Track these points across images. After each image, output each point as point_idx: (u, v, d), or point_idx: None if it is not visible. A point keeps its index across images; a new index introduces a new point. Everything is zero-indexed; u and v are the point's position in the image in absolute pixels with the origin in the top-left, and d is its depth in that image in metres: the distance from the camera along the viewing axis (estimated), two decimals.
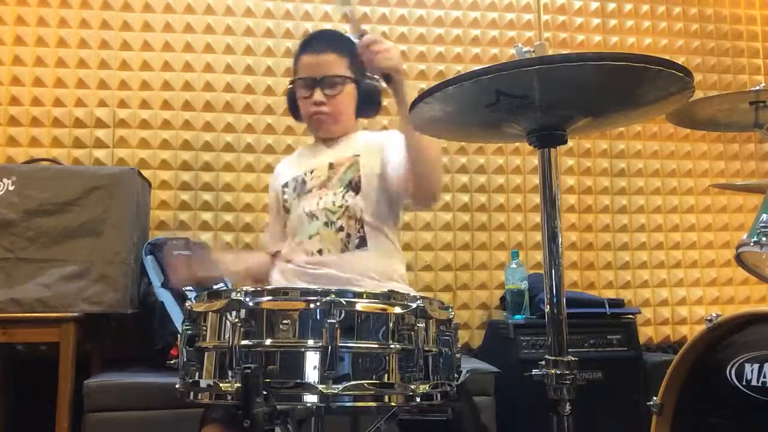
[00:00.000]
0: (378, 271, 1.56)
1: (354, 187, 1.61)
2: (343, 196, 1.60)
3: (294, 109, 1.75)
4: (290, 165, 1.80)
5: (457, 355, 1.07)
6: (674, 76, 0.94)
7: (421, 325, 0.98)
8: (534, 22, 3.04)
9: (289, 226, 1.68)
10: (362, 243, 1.57)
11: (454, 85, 0.97)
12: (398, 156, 1.56)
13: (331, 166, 1.66)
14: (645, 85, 0.99)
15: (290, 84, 1.74)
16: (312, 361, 0.92)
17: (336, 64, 1.64)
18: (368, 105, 1.72)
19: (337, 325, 0.92)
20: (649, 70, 0.92)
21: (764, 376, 1.33)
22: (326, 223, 1.59)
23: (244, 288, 0.97)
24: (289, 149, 2.67)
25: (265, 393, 0.87)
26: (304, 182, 1.68)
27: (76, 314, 2.00)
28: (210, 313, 1.01)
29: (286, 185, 1.72)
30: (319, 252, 1.57)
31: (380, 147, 1.65)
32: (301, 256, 1.59)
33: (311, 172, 1.68)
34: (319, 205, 1.61)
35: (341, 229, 1.58)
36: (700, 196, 3.10)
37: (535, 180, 2.94)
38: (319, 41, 1.69)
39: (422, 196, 1.57)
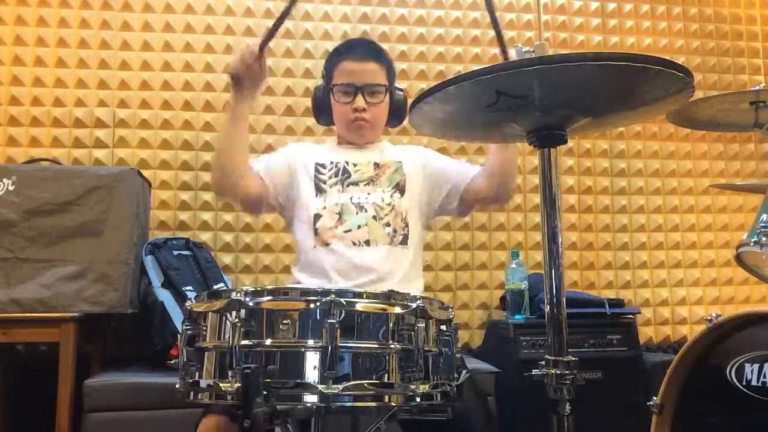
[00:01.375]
0: (414, 267, 1.66)
1: (400, 189, 1.69)
2: (391, 195, 1.68)
3: (320, 112, 1.78)
4: (320, 149, 1.79)
5: (458, 355, 1.07)
6: (674, 76, 0.94)
7: (421, 325, 0.98)
8: (534, 22, 3.04)
9: (326, 207, 1.65)
10: (404, 240, 1.65)
11: (454, 85, 0.97)
12: (463, 168, 1.75)
13: (377, 165, 1.71)
14: (645, 85, 0.99)
15: (324, 87, 1.74)
16: (312, 361, 0.92)
17: (377, 74, 1.70)
18: (397, 115, 1.79)
19: (337, 325, 0.92)
20: (649, 71, 0.92)
21: (764, 376, 1.33)
22: (374, 217, 1.63)
23: (244, 288, 0.97)
24: None
25: (265, 393, 0.86)
26: (347, 171, 1.69)
27: (76, 314, 2.00)
28: (210, 313, 1.00)
29: (322, 165, 1.70)
30: (367, 243, 1.61)
31: (422, 162, 1.77)
32: (349, 245, 1.61)
33: (354, 165, 1.70)
34: (368, 199, 1.65)
35: (388, 224, 1.64)
36: (700, 196, 3.10)
37: (535, 180, 2.94)
38: (361, 49, 1.73)
39: (506, 194, 1.78)
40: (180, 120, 2.72)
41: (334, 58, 1.73)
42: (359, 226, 1.61)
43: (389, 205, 1.66)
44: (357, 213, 1.63)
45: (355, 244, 1.60)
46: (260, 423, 0.84)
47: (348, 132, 1.74)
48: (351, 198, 1.65)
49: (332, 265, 1.58)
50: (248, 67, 1.57)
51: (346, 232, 1.61)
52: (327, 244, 1.61)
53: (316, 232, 1.63)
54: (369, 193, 1.66)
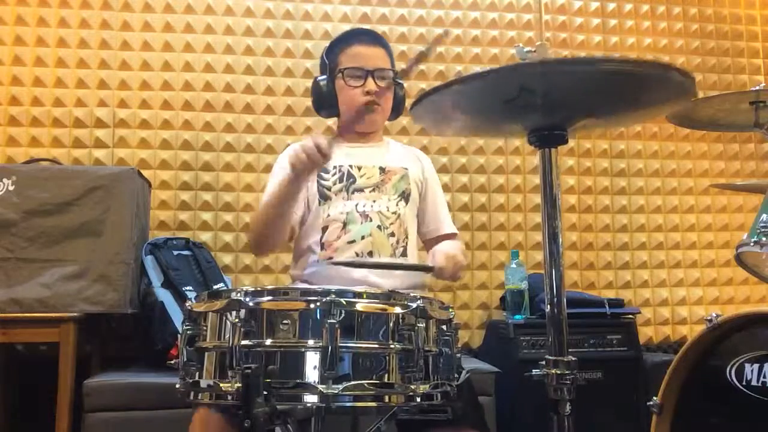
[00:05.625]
0: (416, 276, 1.62)
1: (406, 197, 1.67)
2: (396, 204, 1.65)
3: (321, 103, 1.72)
4: None
5: (458, 355, 1.07)
6: (676, 80, 0.93)
7: (422, 325, 0.98)
8: (534, 22, 3.04)
9: (330, 215, 1.62)
10: (404, 252, 1.63)
11: (481, 78, 0.96)
12: (441, 216, 1.74)
13: (382, 170, 1.68)
14: (653, 89, 0.99)
15: (327, 76, 1.69)
16: (312, 361, 0.92)
17: (386, 60, 1.69)
18: (396, 107, 1.76)
19: (337, 325, 0.92)
20: (664, 76, 0.91)
21: (764, 376, 1.33)
22: (379, 227, 1.60)
23: (244, 288, 0.97)
24: None
25: (265, 393, 0.87)
26: (351, 176, 1.65)
27: (76, 314, 2.00)
28: (210, 313, 1.01)
29: (324, 169, 1.64)
30: (370, 254, 1.58)
31: (420, 169, 1.75)
32: (352, 257, 1.58)
33: (359, 169, 1.66)
34: (373, 207, 1.62)
35: (392, 234, 1.61)
36: (700, 196, 3.10)
37: (535, 180, 2.94)
38: (367, 35, 1.72)
39: None
40: (180, 120, 2.72)
41: (341, 43, 1.69)
42: (363, 237, 1.59)
43: (394, 213, 1.63)
44: (362, 222, 1.60)
45: (358, 255, 1.58)
46: (260, 423, 0.84)
47: (357, 117, 1.68)
48: (356, 206, 1.61)
49: (335, 279, 1.55)
50: (315, 165, 1.42)
51: (349, 242, 1.59)
52: (330, 258, 1.59)
53: (322, 246, 1.60)
54: (374, 201, 1.63)
